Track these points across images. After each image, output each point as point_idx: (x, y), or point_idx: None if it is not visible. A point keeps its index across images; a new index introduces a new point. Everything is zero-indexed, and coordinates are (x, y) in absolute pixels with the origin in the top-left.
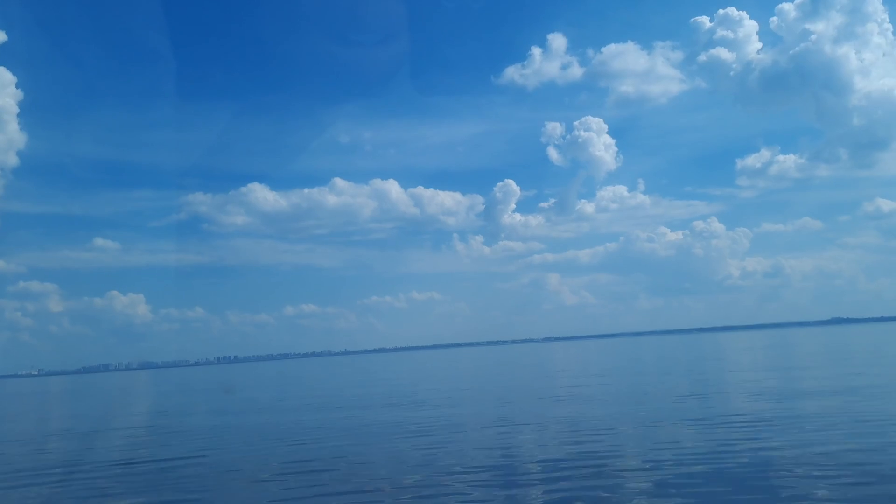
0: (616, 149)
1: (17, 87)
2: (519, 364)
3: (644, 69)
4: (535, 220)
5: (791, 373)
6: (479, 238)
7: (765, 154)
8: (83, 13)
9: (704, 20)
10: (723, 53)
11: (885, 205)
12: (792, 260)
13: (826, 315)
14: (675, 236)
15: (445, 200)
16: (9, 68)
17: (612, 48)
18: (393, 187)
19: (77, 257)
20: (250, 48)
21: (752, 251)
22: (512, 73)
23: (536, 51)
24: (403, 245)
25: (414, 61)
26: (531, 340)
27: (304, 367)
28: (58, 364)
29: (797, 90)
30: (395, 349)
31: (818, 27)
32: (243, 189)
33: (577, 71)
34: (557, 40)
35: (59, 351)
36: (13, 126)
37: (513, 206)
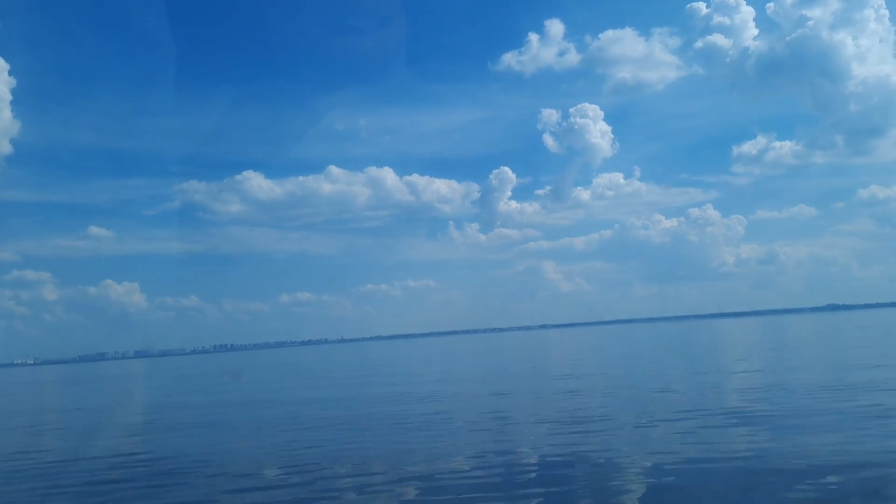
0: (612, 136)
1: (10, 74)
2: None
3: (642, 55)
4: (530, 208)
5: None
6: (475, 226)
7: (761, 141)
8: (77, 0)
9: (701, 6)
10: (719, 40)
11: (880, 192)
12: (786, 247)
13: (820, 302)
14: (670, 223)
15: (441, 188)
16: (2, 55)
17: (609, 34)
18: (388, 175)
19: (71, 245)
20: (246, 35)
21: (746, 238)
22: (509, 59)
23: (534, 37)
24: (399, 233)
25: (410, 48)
26: (527, 328)
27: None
28: (53, 353)
29: (794, 77)
30: (392, 337)
31: (815, 13)
32: (238, 177)
33: (574, 57)
34: (555, 26)
35: (55, 340)
36: (6, 114)
37: (508, 193)
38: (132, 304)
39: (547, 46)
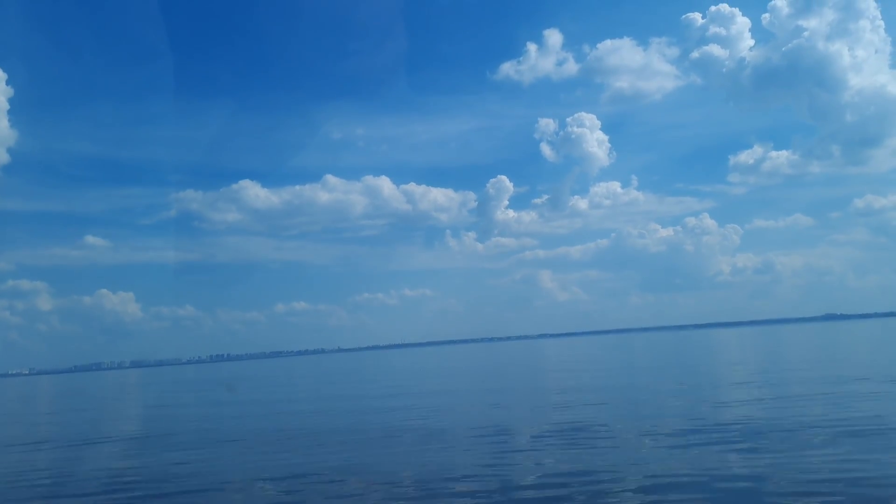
0: (609, 145)
1: (7, 83)
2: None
3: (640, 65)
4: (528, 217)
5: None
6: (472, 234)
7: (757, 150)
8: (76, 9)
9: (696, 17)
10: (715, 50)
11: (876, 201)
12: (782, 256)
13: (815, 311)
14: (666, 232)
15: (438, 197)
16: (0, 65)
17: (607, 44)
18: (385, 184)
19: (67, 255)
20: (243, 46)
21: (742, 248)
22: (507, 69)
23: (532, 47)
24: (395, 242)
25: (408, 58)
26: (526, 337)
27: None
28: (48, 363)
29: (790, 87)
30: (390, 346)
31: (811, 24)
32: (235, 186)
33: (572, 67)
34: (553, 36)
35: (50, 350)
36: (4, 123)
37: (506, 202)
38: (127, 314)
39: (545, 56)
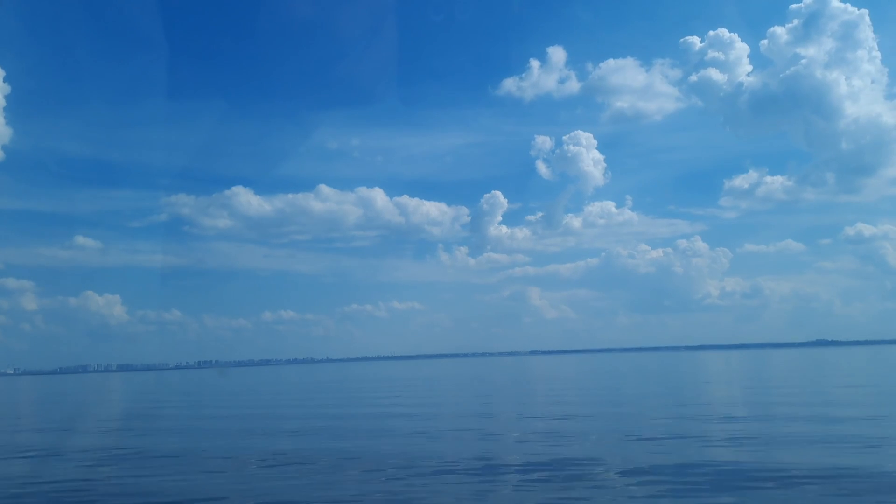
0: (605, 164)
1: (4, 80)
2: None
3: (642, 86)
4: (521, 233)
5: None
6: (464, 249)
7: (753, 175)
8: (71, 8)
9: (695, 40)
10: (713, 74)
11: (866, 230)
12: (770, 282)
13: (803, 337)
14: (656, 254)
15: (431, 210)
16: None
17: (611, 63)
18: (378, 195)
19: (54, 255)
20: (239, 51)
21: (731, 271)
22: (509, 84)
23: (535, 63)
24: (386, 254)
25: (408, 71)
26: (516, 353)
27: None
28: (32, 363)
29: (787, 113)
30: (377, 358)
31: (809, 52)
32: (227, 192)
33: (574, 85)
34: (557, 53)
35: (33, 350)
36: (0, 120)
37: (499, 218)
38: (112, 317)
39: (548, 73)
